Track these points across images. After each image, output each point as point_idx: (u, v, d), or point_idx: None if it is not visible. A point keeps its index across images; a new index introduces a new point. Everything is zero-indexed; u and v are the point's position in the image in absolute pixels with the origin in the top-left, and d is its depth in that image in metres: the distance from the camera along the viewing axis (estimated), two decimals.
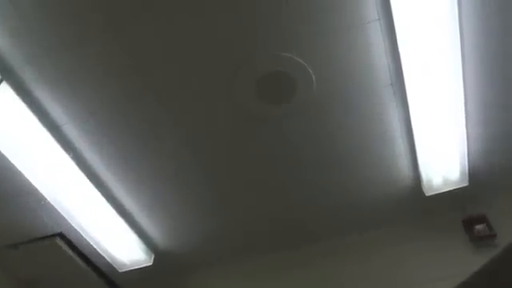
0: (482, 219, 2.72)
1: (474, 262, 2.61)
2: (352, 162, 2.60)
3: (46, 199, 2.54)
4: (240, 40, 2.06)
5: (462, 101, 2.26)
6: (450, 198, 2.71)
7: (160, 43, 2.05)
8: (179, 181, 2.66)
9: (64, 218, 2.67)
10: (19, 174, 2.38)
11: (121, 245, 2.91)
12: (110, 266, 3.03)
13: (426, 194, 2.67)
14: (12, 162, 2.33)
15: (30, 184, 2.44)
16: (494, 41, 2.11)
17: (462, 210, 2.78)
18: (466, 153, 2.50)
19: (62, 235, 2.84)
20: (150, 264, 3.02)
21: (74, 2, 1.89)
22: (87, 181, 2.50)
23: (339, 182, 2.70)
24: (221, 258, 3.15)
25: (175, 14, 1.95)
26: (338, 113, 2.36)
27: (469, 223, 2.74)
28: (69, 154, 2.33)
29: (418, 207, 2.82)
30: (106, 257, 2.95)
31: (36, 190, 2.48)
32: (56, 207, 2.60)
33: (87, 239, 2.82)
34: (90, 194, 2.57)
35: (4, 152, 2.29)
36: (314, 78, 2.18)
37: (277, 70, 2.16)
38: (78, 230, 2.75)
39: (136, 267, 3.04)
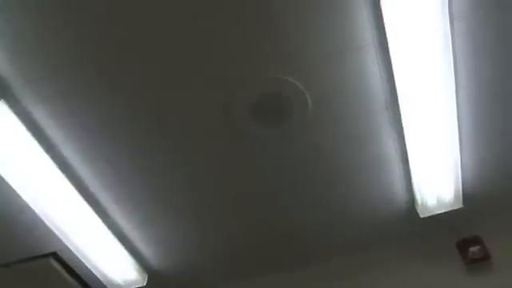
0: (476, 241, 2.73)
1: (468, 284, 2.66)
2: (346, 184, 2.61)
3: (40, 218, 2.52)
4: (236, 61, 2.08)
5: (456, 125, 2.28)
6: (444, 220, 2.72)
7: (157, 65, 2.06)
8: (174, 202, 2.65)
9: (58, 238, 2.64)
10: (13, 191, 2.36)
11: (115, 265, 2.88)
12: (103, 286, 3.00)
13: (421, 216, 2.67)
14: (6, 179, 2.30)
15: (23, 202, 2.42)
16: (488, 67, 2.15)
17: (457, 232, 2.79)
18: (460, 175, 2.51)
19: (55, 255, 2.82)
20: (144, 285, 2.99)
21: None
22: (82, 200, 2.49)
23: (333, 204, 2.71)
24: (214, 279, 3.13)
25: (170, 35, 1.97)
26: (333, 135, 2.38)
27: (463, 245, 2.74)
28: None
29: (413, 229, 2.82)
30: (99, 277, 2.92)
31: (29, 208, 2.45)
32: (50, 226, 2.57)
33: (81, 259, 2.80)
34: (85, 213, 2.55)
35: None
36: (309, 100, 2.20)
37: (273, 92, 2.18)
38: (71, 249, 2.73)
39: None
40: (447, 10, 1.84)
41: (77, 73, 2.04)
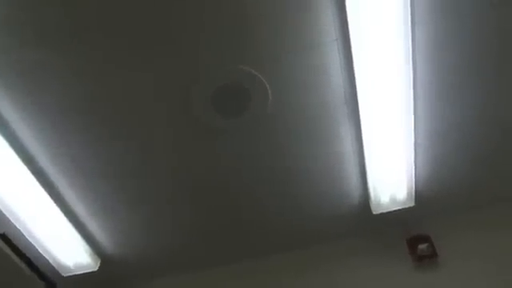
0: (425, 239, 2.81)
1: (415, 279, 2.76)
2: (302, 177, 2.64)
3: None
4: (198, 50, 2.07)
5: (412, 124, 2.34)
6: (396, 217, 2.78)
7: (117, 50, 2.04)
8: (131, 188, 2.63)
9: (7, 218, 2.58)
10: None
11: (66, 248, 2.83)
12: (53, 269, 2.94)
13: (374, 213, 2.73)
14: None
15: None
16: (446, 67, 2.20)
17: (407, 230, 2.87)
18: (414, 174, 2.57)
19: (3, 236, 2.74)
20: (96, 269, 2.95)
21: None
22: (35, 180, 2.44)
23: (289, 196, 2.74)
24: (168, 268, 3.12)
25: (131, 20, 1.94)
26: (291, 128, 2.40)
27: (413, 242, 2.82)
28: None
29: (366, 225, 2.88)
30: (50, 260, 2.87)
31: None
32: None
33: (31, 241, 2.73)
34: (37, 194, 2.50)
35: None
36: (269, 92, 2.21)
37: (234, 83, 2.18)
38: (21, 231, 2.66)
39: (81, 272, 2.96)
40: (409, 11, 1.88)
41: (39, 45, 1.99)
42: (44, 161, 2.42)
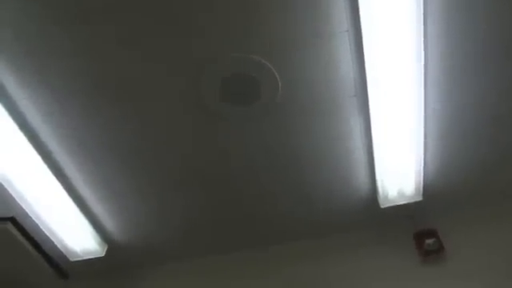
0: (432, 234, 2.80)
1: (421, 273, 2.75)
2: (310, 169, 2.63)
3: None
4: (209, 38, 2.06)
5: (423, 118, 2.32)
6: (403, 212, 2.78)
7: (123, 40, 2.04)
8: (139, 175, 2.64)
9: (17, 203, 2.60)
10: None
11: (74, 234, 2.86)
12: (61, 254, 2.98)
13: (381, 206, 2.73)
14: None
15: None
16: (457, 64, 2.18)
17: (415, 224, 2.86)
18: (422, 169, 2.56)
19: (13, 220, 2.78)
20: (103, 255, 2.98)
21: None
22: (44, 165, 2.45)
23: (297, 187, 2.74)
24: (174, 255, 3.14)
25: (137, 12, 1.94)
26: (300, 120, 2.39)
27: (420, 236, 2.81)
28: None
29: (373, 218, 2.88)
30: (58, 245, 2.90)
31: None
32: (9, 191, 2.54)
33: (40, 225, 2.76)
34: (46, 179, 2.52)
35: None
36: (279, 82, 2.20)
37: (244, 72, 2.17)
38: (30, 215, 2.69)
39: (88, 257, 3.00)
40: (422, 3, 1.86)
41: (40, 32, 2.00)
42: (53, 145, 2.43)
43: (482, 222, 2.77)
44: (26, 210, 2.66)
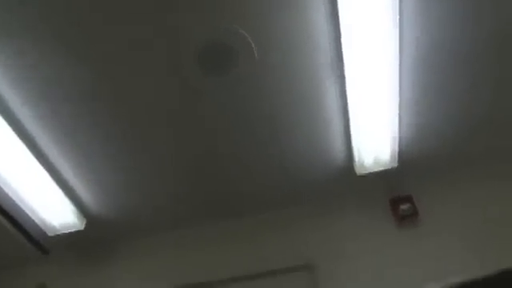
0: (407, 199, 2.87)
1: (396, 236, 2.82)
2: (287, 137, 2.65)
3: None
4: (183, 9, 2.03)
5: (398, 86, 2.35)
6: (379, 178, 2.83)
7: (99, 14, 2.01)
8: (116, 148, 2.62)
9: None
10: None
11: (52, 208, 2.84)
12: (39, 229, 2.96)
13: (358, 173, 2.77)
14: None
15: None
16: (432, 29, 2.19)
17: (390, 190, 2.92)
18: (398, 135, 2.60)
19: None
20: (82, 229, 2.97)
21: None
22: (19, 140, 2.41)
23: (274, 157, 2.76)
24: (152, 228, 3.15)
25: None
26: (276, 88, 2.39)
27: (395, 202, 2.88)
28: None
29: (350, 185, 2.93)
30: (35, 219, 2.88)
31: None
32: None
33: (16, 200, 2.73)
34: (21, 153, 2.48)
35: None
36: (255, 50, 2.19)
37: (220, 41, 2.15)
38: (6, 190, 2.66)
39: (66, 231, 2.98)
40: None
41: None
42: (27, 119, 2.39)
43: (456, 187, 2.85)
44: (2, 187, 2.63)
